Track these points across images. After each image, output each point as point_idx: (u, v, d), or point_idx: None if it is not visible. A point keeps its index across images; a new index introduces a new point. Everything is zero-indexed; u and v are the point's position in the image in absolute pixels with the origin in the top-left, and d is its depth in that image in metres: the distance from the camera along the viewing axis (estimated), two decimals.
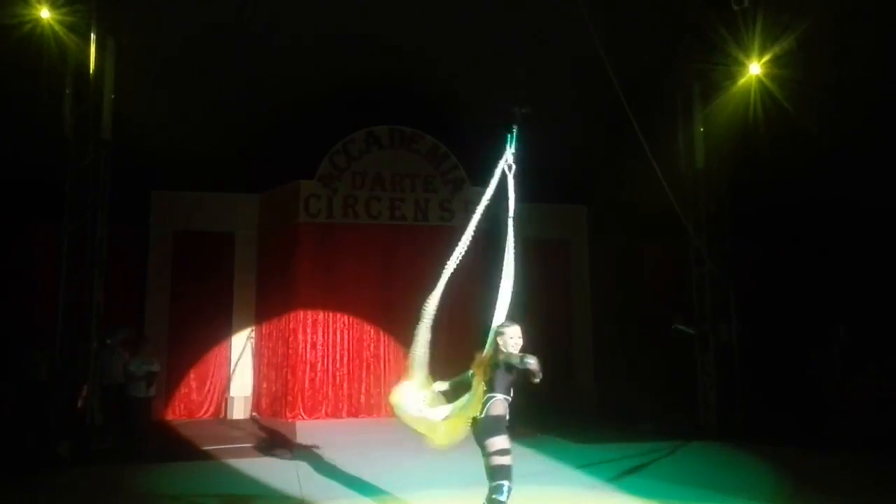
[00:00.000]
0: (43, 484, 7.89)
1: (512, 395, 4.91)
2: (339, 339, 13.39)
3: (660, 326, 12.28)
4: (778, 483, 7.61)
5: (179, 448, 9.90)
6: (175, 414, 13.16)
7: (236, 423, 12.76)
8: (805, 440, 9.71)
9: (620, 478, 7.79)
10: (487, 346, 5.17)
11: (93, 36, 9.69)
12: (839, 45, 9.63)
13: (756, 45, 10.25)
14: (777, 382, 11.81)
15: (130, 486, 7.66)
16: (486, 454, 4.73)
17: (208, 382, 13.55)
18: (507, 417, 4.87)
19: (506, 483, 4.68)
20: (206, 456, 9.39)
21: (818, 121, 9.73)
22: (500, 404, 4.82)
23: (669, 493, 6.70)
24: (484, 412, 4.80)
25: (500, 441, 4.73)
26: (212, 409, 13.45)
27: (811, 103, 9.90)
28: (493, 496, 4.66)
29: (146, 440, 9.88)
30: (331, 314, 13.42)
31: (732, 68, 10.71)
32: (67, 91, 9.67)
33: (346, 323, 13.47)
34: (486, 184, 5.91)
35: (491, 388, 4.85)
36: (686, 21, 11.02)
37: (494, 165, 5.91)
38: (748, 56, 10.44)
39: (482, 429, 4.79)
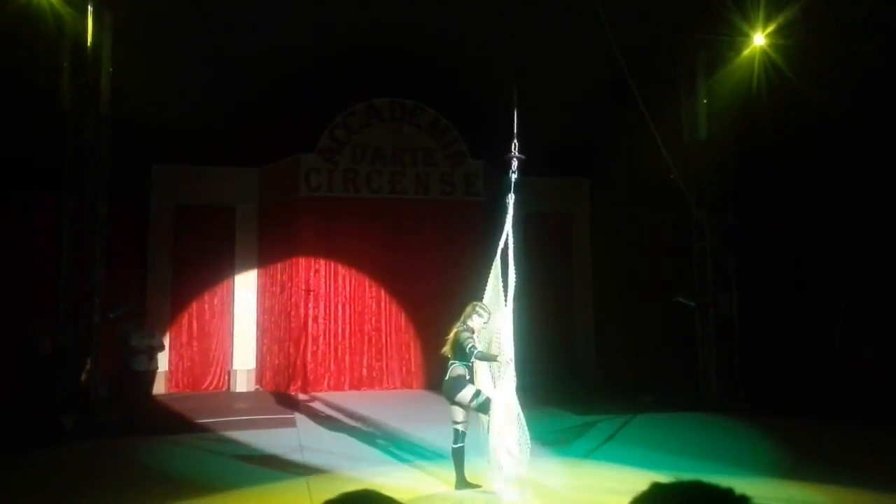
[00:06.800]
0: (47, 457, 7.98)
1: (472, 361, 5.96)
2: (340, 313, 13.41)
3: (661, 299, 12.29)
4: (778, 454, 7.66)
5: (181, 420, 9.97)
6: (178, 387, 13.25)
7: (239, 396, 12.86)
8: (805, 412, 9.75)
9: (619, 449, 7.84)
10: (460, 321, 6.07)
11: (90, 9, 9.59)
12: (844, 13, 9.47)
13: (761, 15, 10.10)
14: (777, 355, 11.83)
15: (132, 459, 7.74)
16: (465, 406, 5.91)
17: (211, 356, 13.63)
18: (468, 377, 5.98)
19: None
20: (208, 428, 9.46)
21: (822, 91, 9.58)
22: (458, 368, 5.99)
23: (669, 463, 6.74)
24: (448, 375, 6.02)
25: (468, 390, 5.89)
26: (215, 383, 13.54)
27: (815, 73, 9.76)
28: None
29: (148, 413, 9.97)
30: (332, 288, 13.44)
31: (737, 39, 10.57)
32: (65, 64, 9.58)
33: (348, 297, 13.48)
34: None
35: (453, 355, 6.02)
36: None
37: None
38: (753, 26, 10.30)
39: (449, 388, 6.00)
